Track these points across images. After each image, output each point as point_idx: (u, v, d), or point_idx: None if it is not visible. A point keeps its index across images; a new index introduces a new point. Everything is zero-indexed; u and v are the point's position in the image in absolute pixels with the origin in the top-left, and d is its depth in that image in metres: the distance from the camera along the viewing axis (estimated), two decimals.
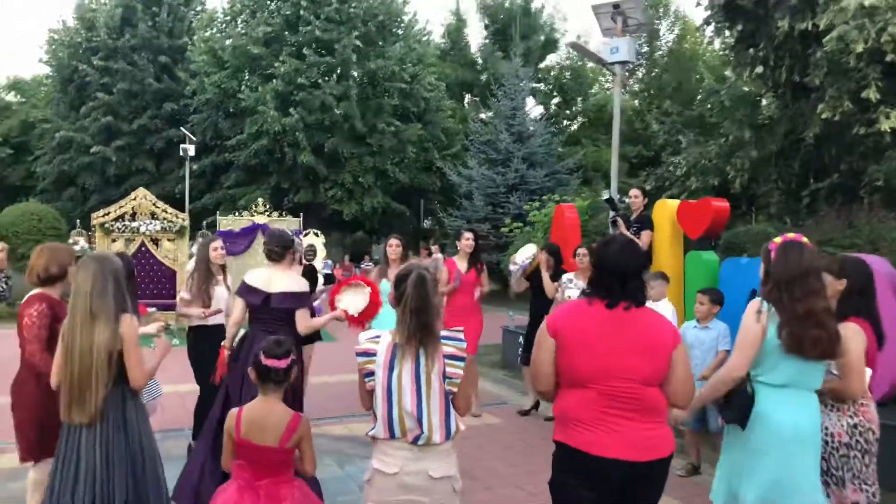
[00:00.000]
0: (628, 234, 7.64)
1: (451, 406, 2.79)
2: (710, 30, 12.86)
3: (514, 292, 7.60)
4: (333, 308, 5.41)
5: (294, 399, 4.66)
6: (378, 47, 25.35)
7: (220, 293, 5.84)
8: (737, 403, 3.08)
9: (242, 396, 4.51)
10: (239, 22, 26.28)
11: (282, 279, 4.72)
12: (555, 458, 2.81)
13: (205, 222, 16.92)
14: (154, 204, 14.44)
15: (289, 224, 15.53)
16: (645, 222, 7.68)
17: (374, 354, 2.76)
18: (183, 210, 18.42)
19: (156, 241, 14.18)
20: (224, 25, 26.59)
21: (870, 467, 3.42)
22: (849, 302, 3.47)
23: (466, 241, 7.34)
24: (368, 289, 5.58)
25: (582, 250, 6.83)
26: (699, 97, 16.27)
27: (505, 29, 30.47)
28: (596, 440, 2.64)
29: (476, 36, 36.78)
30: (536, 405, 7.43)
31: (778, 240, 3.18)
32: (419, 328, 2.73)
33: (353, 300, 5.57)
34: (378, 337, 2.81)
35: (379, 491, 2.76)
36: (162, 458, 3.50)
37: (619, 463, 2.61)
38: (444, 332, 2.83)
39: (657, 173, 14.03)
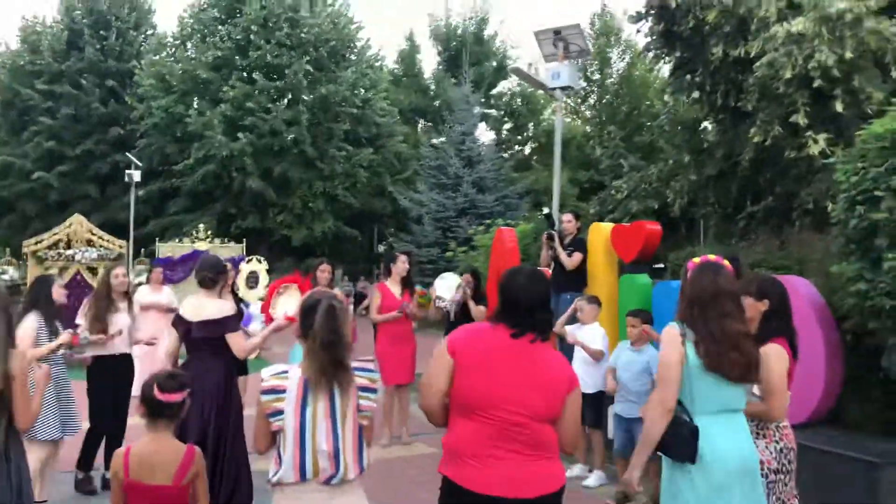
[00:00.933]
0: (560, 250, 7.63)
1: (363, 440, 2.69)
2: (650, 56, 13.08)
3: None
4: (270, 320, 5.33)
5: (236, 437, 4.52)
6: (330, 72, 25.31)
7: (119, 321, 5.59)
8: (680, 437, 2.89)
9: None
10: (189, 46, 26.04)
11: (207, 306, 4.54)
12: (440, 492, 2.67)
13: (142, 249, 16.49)
14: (91, 231, 14.05)
15: (232, 251, 15.23)
16: (577, 244, 7.66)
17: (282, 391, 2.59)
18: (127, 237, 18.01)
19: (92, 270, 13.75)
20: (174, 50, 26.28)
21: (788, 485, 3.39)
22: (769, 323, 3.42)
23: (402, 263, 7.21)
24: (294, 287, 5.51)
25: None
26: (646, 122, 16.51)
27: (458, 55, 30.71)
28: (478, 476, 2.51)
29: (430, 62, 37.04)
30: None
31: (696, 260, 3.11)
32: (331, 363, 2.58)
33: (287, 302, 5.46)
34: (285, 372, 2.63)
35: None
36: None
37: (503, 501, 2.48)
38: (355, 364, 2.70)
39: (600, 197, 14.11)
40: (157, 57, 26.11)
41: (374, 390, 2.69)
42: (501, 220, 15.14)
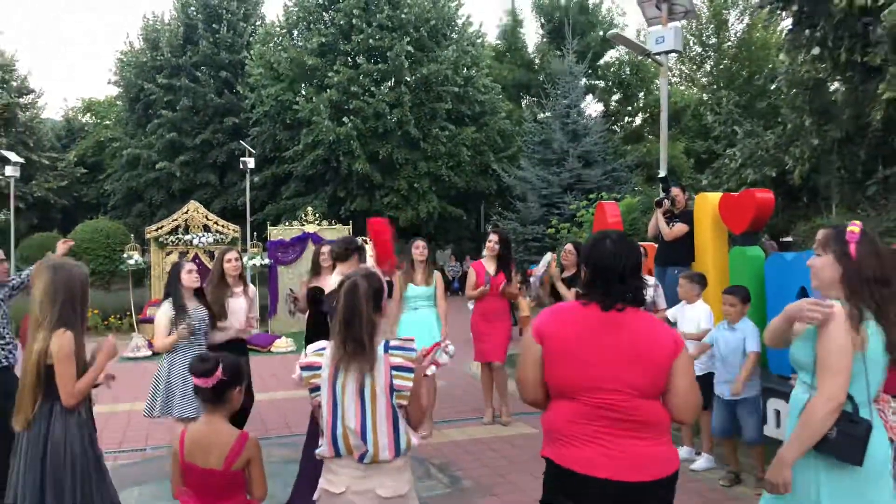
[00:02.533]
0: (662, 219, 7.29)
1: (402, 420, 2.60)
2: (765, 11, 12.19)
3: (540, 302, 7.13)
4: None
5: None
6: (431, 52, 25.27)
7: (236, 306, 5.68)
8: (850, 434, 2.47)
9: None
10: (295, 34, 26.68)
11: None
12: (544, 475, 2.52)
13: (254, 233, 17.11)
14: (206, 216, 14.68)
15: (339, 232, 15.53)
16: (684, 216, 7.27)
17: (318, 368, 2.59)
18: (244, 222, 18.78)
19: (210, 254, 14.39)
20: (280, 38, 27.01)
21: None
22: None
23: (490, 242, 7.06)
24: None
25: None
26: (769, 87, 15.44)
27: (561, 27, 29.94)
28: (583, 457, 2.35)
29: (533, 36, 36.41)
30: None
31: (855, 229, 2.60)
32: (349, 341, 2.52)
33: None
34: (323, 349, 2.62)
35: None
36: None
37: (608, 483, 2.31)
38: (393, 342, 2.62)
39: (714, 167, 13.35)
40: (266, 46, 26.92)
41: (410, 369, 2.58)
42: (609, 194, 14.66)
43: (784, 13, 10.70)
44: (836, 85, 11.89)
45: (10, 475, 3.15)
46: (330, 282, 5.28)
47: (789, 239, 11.66)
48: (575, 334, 2.42)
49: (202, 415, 2.88)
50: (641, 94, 31.91)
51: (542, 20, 31.28)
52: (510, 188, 22.59)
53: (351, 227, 16.50)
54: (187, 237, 14.42)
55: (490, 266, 7.11)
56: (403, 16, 24.44)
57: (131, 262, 14.49)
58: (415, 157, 24.67)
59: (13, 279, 5.18)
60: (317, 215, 16.13)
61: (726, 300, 5.18)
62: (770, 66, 29.71)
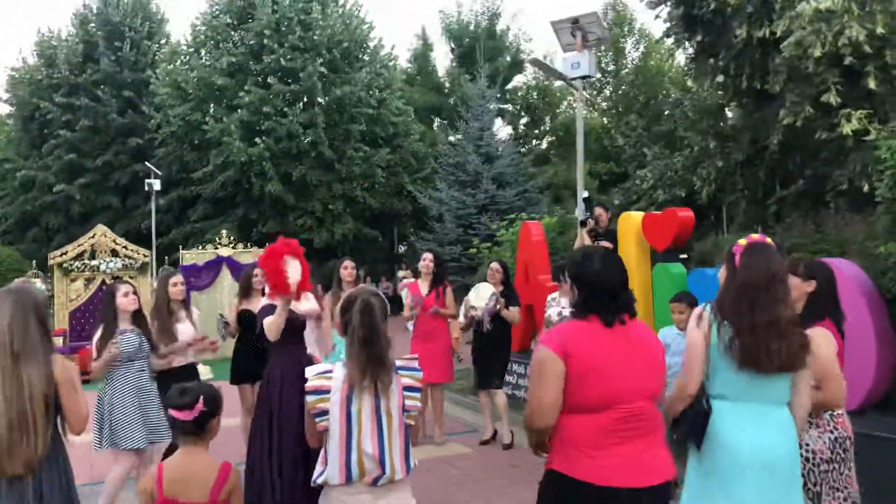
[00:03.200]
0: (588, 240, 7.51)
1: (409, 439, 2.64)
2: (670, 42, 12.86)
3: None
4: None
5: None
6: (344, 74, 25.26)
7: (184, 331, 5.55)
8: (689, 417, 2.80)
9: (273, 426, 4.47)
10: (203, 53, 26.09)
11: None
12: (549, 489, 2.54)
13: (166, 258, 16.51)
14: (114, 241, 14.07)
15: (254, 256, 15.18)
16: (609, 235, 7.53)
17: (326, 392, 2.53)
18: (150, 246, 18.06)
19: (117, 280, 13.77)
20: (188, 58, 26.35)
21: (844, 474, 3.24)
22: (815, 306, 3.28)
23: (424, 262, 7.10)
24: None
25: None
26: (666, 111, 16.23)
27: (471, 52, 30.54)
28: (601, 468, 2.41)
29: (443, 59, 36.88)
30: (495, 434, 7.09)
31: (742, 242, 2.91)
32: (371, 360, 2.50)
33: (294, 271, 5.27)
34: (329, 372, 2.57)
35: None
36: None
37: (624, 491, 2.39)
38: (398, 363, 2.63)
39: (625, 187, 13.93)
40: (172, 66, 26.20)
41: (418, 389, 2.62)
42: (525, 214, 14.99)
43: (688, 43, 11.29)
44: (729, 111, 12.69)
45: None
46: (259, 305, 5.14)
47: (684, 256, 12.27)
48: (602, 349, 2.47)
49: (181, 448, 2.77)
50: (548, 119, 32.89)
51: (452, 45, 31.83)
52: (426, 209, 22.74)
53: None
54: (94, 263, 13.75)
55: (424, 287, 7.14)
56: (316, 37, 24.36)
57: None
58: (329, 178, 24.49)
59: None
60: (231, 238, 15.72)
61: (675, 308, 5.37)
62: (664, 91, 31.46)
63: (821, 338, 3.05)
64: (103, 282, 13.64)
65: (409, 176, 26.61)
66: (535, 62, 10.52)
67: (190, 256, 15.14)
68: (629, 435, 2.43)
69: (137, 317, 5.00)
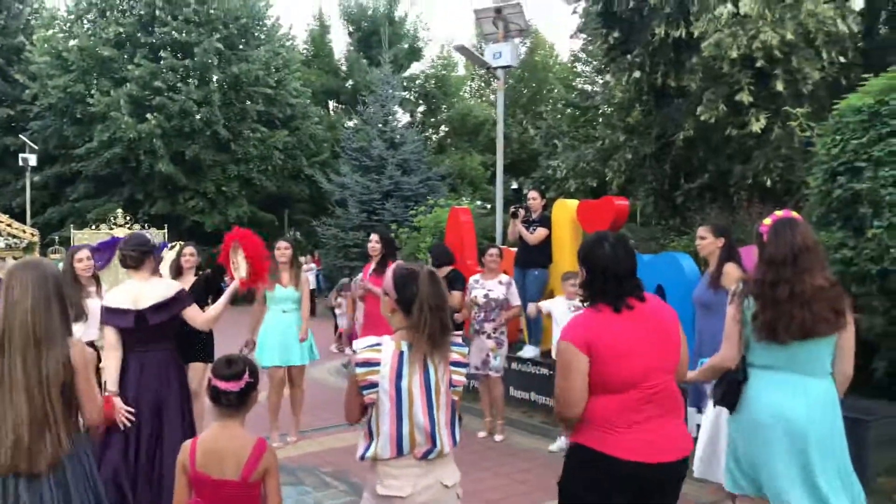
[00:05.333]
0: (522, 227, 7.63)
1: (455, 413, 2.63)
2: (580, 39, 13.28)
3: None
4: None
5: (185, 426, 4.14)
6: (240, 51, 24.34)
7: (94, 307, 5.19)
8: (725, 383, 3.09)
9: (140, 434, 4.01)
10: (85, 22, 24.37)
11: (152, 288, 4.12)
12: (574, 463, 2.61)
13: (55, 237, 15.39)
14: None
15: (154, 236, 14.46)
16: (543, 222, 7.72)
17: (377, 364, 2.47)
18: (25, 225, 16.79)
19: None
20: (68, 25, 24.52)
21: None
22: None
23: (371, 243, 6.99)
24: (240, 247, 5.10)
25: (493, 251, 6.71)
26: (570, 101, 16.73)
27: (369, 36, 30.24)
28: (627, 443, 2.49)
29: (339, 43, 36.32)
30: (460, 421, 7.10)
31: (767, 221, 3.09)
32: (441, 330, 2.48)
33: (242, 262, 5.05)
34: (379, 345, 2.51)
35: None
36: None
37: (648, 466, 2.47)
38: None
39: (534, 177, 14.29)
40: (50, 32, 24.32)
41: (465, 365, 2.62)
42: (431, 200, 15.04)
43: (604, 38, 11.70)
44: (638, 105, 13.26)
45: None
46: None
47: None
48: (620, 335, 2.53)
49: (216, 421, 2.62)
50: (444, 108, 33.11)
51: (350, 28, 31.39)
52: (325, 193, 22.37)
53: (166, 230, 15.44)
54: None
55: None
56: (212, 11, 23.35)
57: None
58: (224, 158, 23.57)
59: None
60: (127, 218, 14.90)
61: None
62: (548, 87, 32.53)
63: None
64: None
65: (307, 159, 26.05)
66: (462, 49, 10.60)
67: (82, 236, 14.25)
68: (652, 412, 2.52)
69: None
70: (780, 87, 8.71)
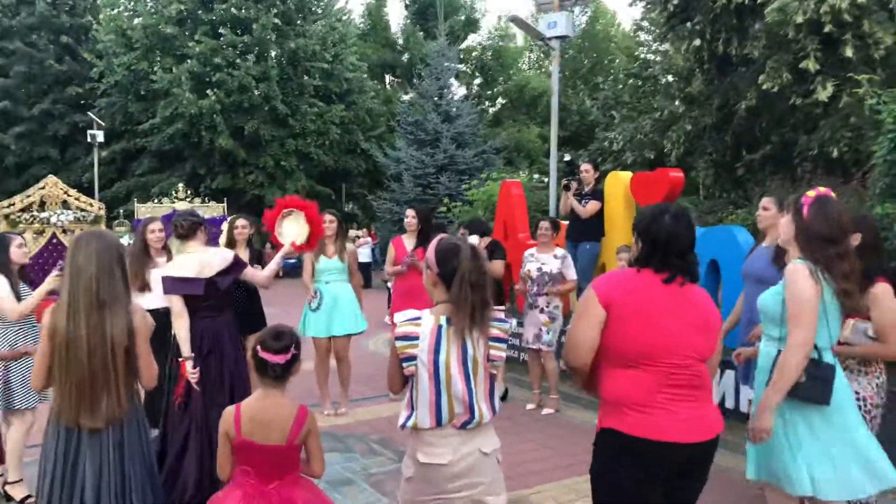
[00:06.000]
0: (574, 200, 7.54)
1: (494, 385, 2.64)
2: (640, 7, 12.92)
3: None
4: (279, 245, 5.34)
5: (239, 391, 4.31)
6: (297, 26, 24.56)
7: (160, 276, 5.36)
8: (818, 377, 2.77)
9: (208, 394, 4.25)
10: (148, 0, 24.95)
11: (211, 257, 4.35)
12: (602, 445, 2.57)
13: (121, 210, 15.95)
14: (66, 192, 13.48)
15: (212, 210, 14.82)
16: (596, 195, 7.59)
17: (416, 338, 2.52)
18: (92, 200, 17.37)
19: (68, 233, 13.23)
20: (132, 3, 25.13)
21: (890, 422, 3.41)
22: (868, 259, 3.26)
23: (408, 218, 6.98)
24: (302, 213, 5.41)
25: (545, 223, 6.62)
26: (631, 72, 16.32)
27: (426, 9, 30.08)
28: (654, 424, 2.42)
29: (396, 17, 36.17)
30: (505, 394, 7.11)
31: (811, 194, 2.95)
32: (481, 304, 2.49)
33: (292, 229, 5.38)
34: (418, 318, 2.55)
35: (429, 484, 2.54)
36: None
37: (677, 446, 2.41)
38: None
39: (590, 149, 14.04)
40: (115, 11, 24.97)
41: (505, 340, 2.62)
42: (484, 174, 14.95)
43: (662, 6, 11.35)
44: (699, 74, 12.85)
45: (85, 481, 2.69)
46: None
47: None
48: (648, 301, 2.46)
49: (259, 390, 2.72)
50: (501, 80, 32.79)
51: (407, 1, 31.27)
52: (381, 167, 22.50)
53: (226, 204, 15.80)
54: (44, 215, 13.16)
55: (409, 243, 7.01)
56: None
57: None
58: (282, 133, 23.94)
59: None
60: (188, 192, 15.28)
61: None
62: (610, 57, 31.80)
63: (883, 291, 3.19)
64: (54, 234, 13.09)
65: (364, 133, 26.22)
66: (515, 20, 10.44)
67: (145, 210, 14.67)
68: (678, 394, 2.45)
69: (23, 272, 4.67)
70: (849, 52, 8.30)
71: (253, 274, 4.61)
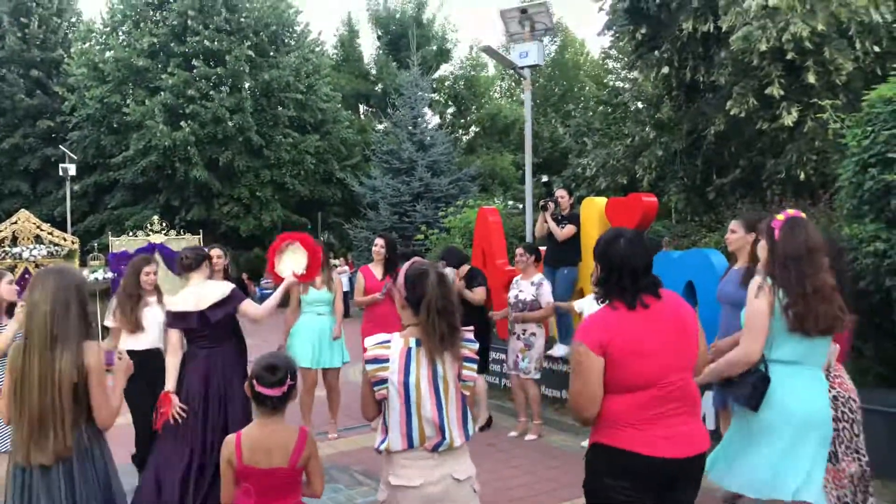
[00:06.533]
0: (552, 223, 7.65)
1: (467, 406, 2.67)
2: (609, 36, 13.21)
3: None
4: (279, 280, 5.33)
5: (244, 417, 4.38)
6: (271, 58, 24.69)
7: (152, 316, 5.30)
8: (749, 383, 3.00)
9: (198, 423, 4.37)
10: (120, 33, 24.93)
11: (209, 290, 4.52)
12: (598, 461, 2.61)
13: (95, 244, 15.79)
14: (38, 227, 13.34)
15: (187, 242, 14.70)
16: (572, 219, 7.71)
17: (385, 360, 2.56)
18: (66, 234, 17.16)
19: (41, 268, 13.05)
20: (104, 37, 25.09)
21: (859, 437, 3.47)
22: None
23: (376, 247, 7.04)
24: (298, 243, 5.46)
25: (519, 249, 6.72)
26: (601, 99, 16.63)
27: (398, 39, 30.41)
28: (647, 440, 2.49)
29: (368, 48, 36.42)
30: (489, 422, 7.13)
31: (780, 217, 3.10)
32: (446, 328, 2.53)
33: (292, 260, 5.40)
34: (388, 341, 2.60)
35: None
36: None
37: (670, 461, 2.48)
38: None
39: (564, 175, 14.24)
40: (87, 45, 24.91)
41: (475, 360, 2.65)
42: (460, 202, 15.08)
43: (631, 35, 11.62)
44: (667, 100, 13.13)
45: None
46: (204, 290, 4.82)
47: None
48: (635, 334, 2.51)
49: (257, 419, 2.76)
50: (474, 108, 33.14)
51: (379, 32, 31.60)
52: (357, 196, 22.56)
53: (201, 235, 15.71)
54: (16, 250, 12.99)
55: (377, 271, 7.05)
56: (242, 20, 23.74)
57: None
58: (257, 164, 23.93)
59: None
60: (163, 225, 15.17)
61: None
62: (579, 85, 32.36)
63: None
64: (27, 270, 12.92)
65: (339, 163, 26.29)
66: (487, 50, 10.61)
67: (119, 243, 14.50)
68: (670, 409, 2.51)
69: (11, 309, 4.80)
70: (811, 79, 8.57)
71: (245, 309, 4.60)
